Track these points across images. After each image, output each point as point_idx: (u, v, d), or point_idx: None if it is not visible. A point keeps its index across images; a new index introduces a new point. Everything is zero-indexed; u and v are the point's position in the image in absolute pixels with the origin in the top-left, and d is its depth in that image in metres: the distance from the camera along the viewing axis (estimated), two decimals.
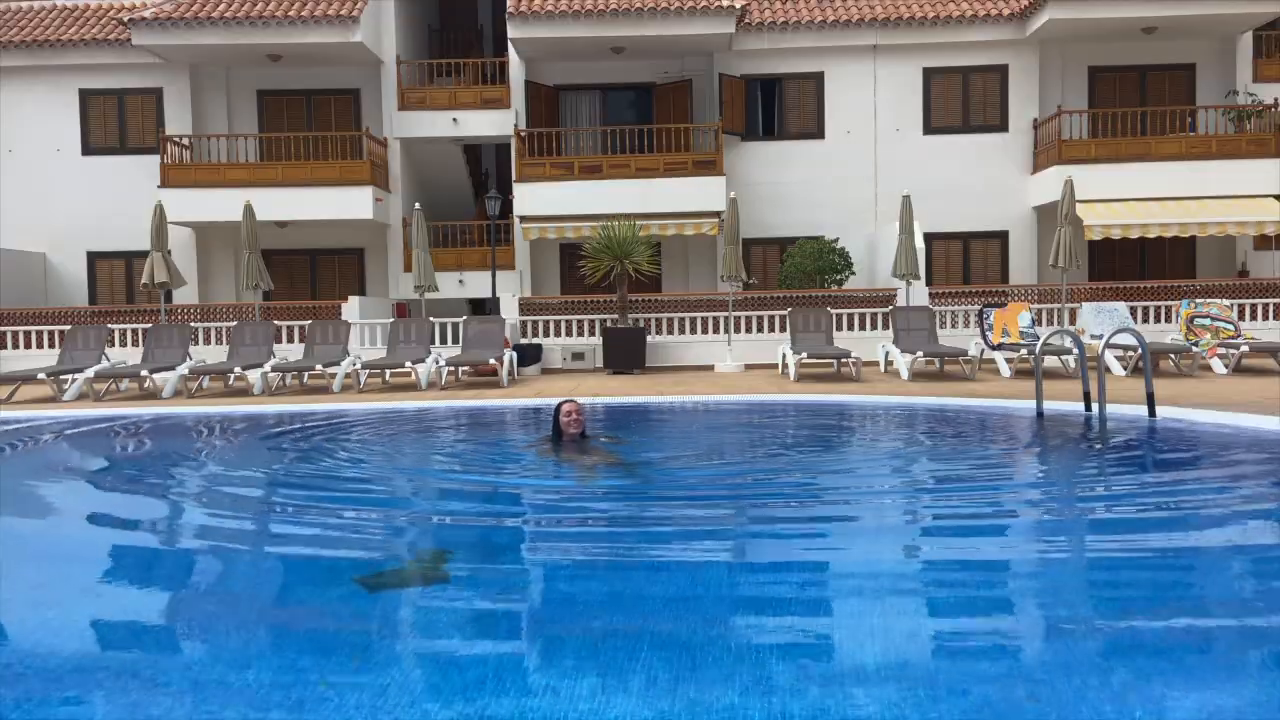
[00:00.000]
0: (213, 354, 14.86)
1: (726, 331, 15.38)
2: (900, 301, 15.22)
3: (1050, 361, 13.00)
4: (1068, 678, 2.55)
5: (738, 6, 16.59)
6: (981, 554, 4.13)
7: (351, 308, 15.92)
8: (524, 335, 15.63)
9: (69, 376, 12.50)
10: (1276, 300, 15.34)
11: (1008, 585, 3.66)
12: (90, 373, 12.26)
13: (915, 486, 6.03)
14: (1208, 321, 13.44)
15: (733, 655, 2.74)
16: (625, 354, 14.55)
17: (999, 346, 13.09)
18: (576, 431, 6.68)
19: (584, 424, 6.80)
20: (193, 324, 15.54)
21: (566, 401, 6.88)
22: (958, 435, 8.07)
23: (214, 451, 7.76)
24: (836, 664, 2.73)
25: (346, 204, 17.47)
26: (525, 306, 16.01)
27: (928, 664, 2.73)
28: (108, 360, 13.26)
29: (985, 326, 13.40)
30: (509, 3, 16.73)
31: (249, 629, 3.15)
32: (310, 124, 18.83)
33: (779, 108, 18.64)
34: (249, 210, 14.81)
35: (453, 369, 13.59)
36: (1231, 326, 13.40)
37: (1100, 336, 12.46)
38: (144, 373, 12.44)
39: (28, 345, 15.55)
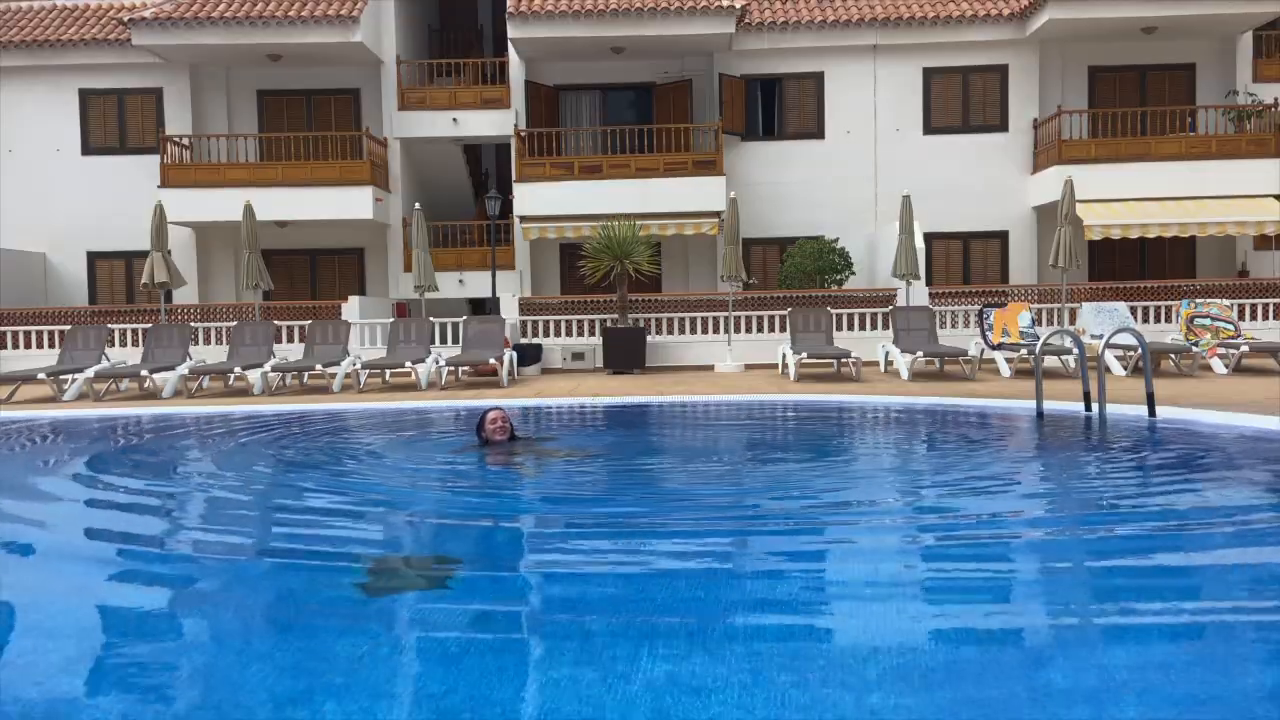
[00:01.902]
0: (213, 354, 14.86)
1: (726, 331, 15.38)
2: (900, 301, 15.22)
3: (1050, 361, 13.00)
4: (1066, 678, 2.55)
5: (738, 6, 16.59)
6: (980, 555, 4.12)
7: (351, 308, 15.93)
8: (524, 335, 15.63)
9: (69, 376, 12.50)
10: (1276, 300, 15.35)
11: (1007, 587, 3.65)
12: (90, 373, 12.26)
13: (913, 487, 6.03)
14: (1208, 321, 13.44)
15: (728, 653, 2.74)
16: (625, 354, 14.56)
17: (999, 346, 13.09)
18: (503, 439, 6.66)
19: (510, 430, 6.75)
20: (193, 324, 15.54)
21: (493, 409, 6.81)
22: (958, 435, 8.07)
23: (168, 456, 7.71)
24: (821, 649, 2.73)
25: (346, 204, 17.48)
26: (525, 306, 16.02)
27: (920, 663, 2.72)
28: (108, 360, 13.26)
29: (985, 326, 13.41)
30: (509, 3, 16.73)
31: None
32: (310, 124, 18.83)
33: (779, 108, 18.64)
34: (249, 210, 14.81)
35: (453, 369, 13.59)
36: (1231, 326, 13.40)
37: (1100, 336, 12.47)
38: (144, 373, 12.44)
39: (28, 345, 15.55)
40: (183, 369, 12.57)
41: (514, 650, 2.89)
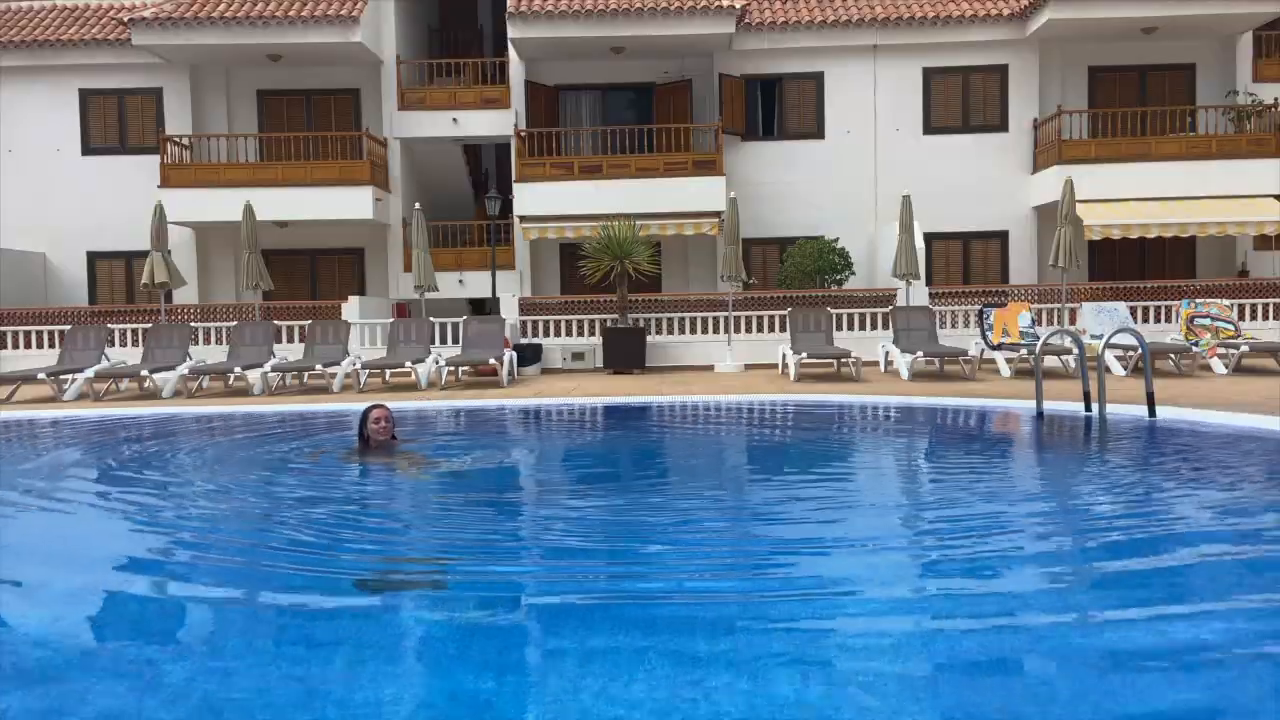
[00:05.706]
0: (213, 354, 14.85)
1: (726, 331, 15.38)
2: (900, 301, 15.21)
3: (1050, 361, 12.99)
4: (1066, 679, 2.55)
5: (738, 6, 16.59)
6: (980, 556, 4.12)
7: (351, 308, 15.91)
8: (524, 335, 15.63)
9: (69, 376, 12.50)
10: (1276, 300, 15.34)
11: (1008, 587, 3.65)
12: (90, 373, 12.26)
13: (912, 487, 6.04)
14: (1208, 321, 13.43)
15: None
16: (625, 354, 14.55)
17: (999, 346, 13.09)
18: (385, 438, 6.53)
19: (392, 429, 6.63)
20: (193, 324, 15.52)
21: (375, 406, 6.66)
22: (957, 435, 8.07)
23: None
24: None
25: (346, 204, 17.47)
26: (525, 306, 16.01)
27: (916, 668, 2.72)
28: (107, 360, 13.26)
29: (985, 326, 13.41)
30: (509, 3, 16.73)
31: None
32: (310, 124, 18.82)
33: (779, 108, 18.63)
34: (249, 210, 14.81)
35: (453, 369, 13.59)
36: (1231, 326, 13.40)
37: (1100, 336, 12.46)
38: (144, 373, 12.44)
39: (28, 345, 15.54)
40: (183, 369, 12.57)
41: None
